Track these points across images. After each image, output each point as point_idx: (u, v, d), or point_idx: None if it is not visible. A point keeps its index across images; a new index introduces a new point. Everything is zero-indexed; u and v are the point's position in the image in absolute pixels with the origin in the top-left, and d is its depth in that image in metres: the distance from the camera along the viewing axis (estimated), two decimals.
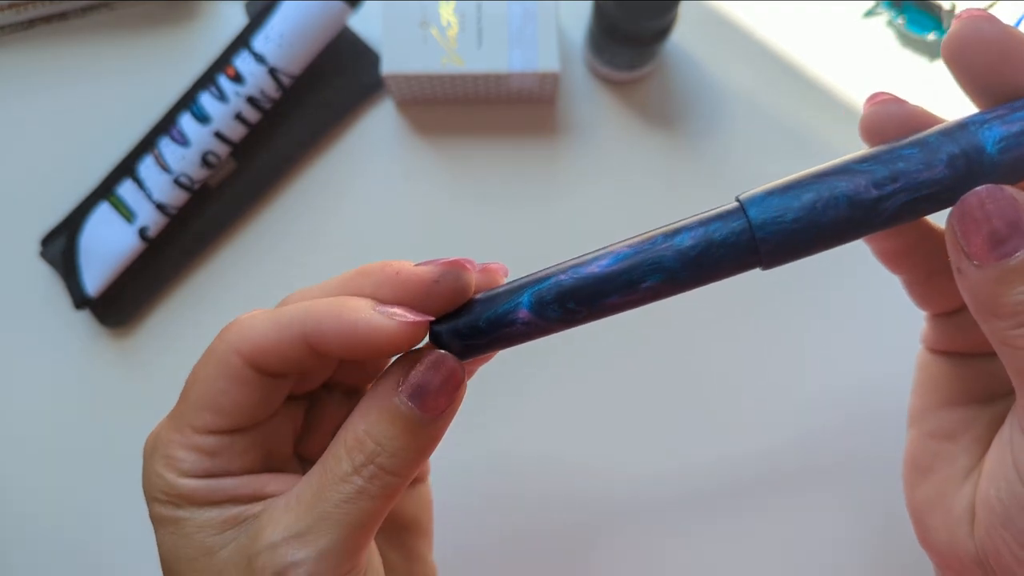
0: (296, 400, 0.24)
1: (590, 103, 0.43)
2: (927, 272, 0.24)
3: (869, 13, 0.44)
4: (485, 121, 0.43)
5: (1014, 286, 0.18)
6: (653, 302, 0.20)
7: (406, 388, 0.20)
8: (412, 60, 0.39)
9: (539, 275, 0.20)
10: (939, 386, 0.24)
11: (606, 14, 0.38)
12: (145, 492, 0.21)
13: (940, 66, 0.44)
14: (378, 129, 0.43)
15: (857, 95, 0.43)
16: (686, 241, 0.19)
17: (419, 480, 0.27)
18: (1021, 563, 0.20)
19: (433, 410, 0.20)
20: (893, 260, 0.24)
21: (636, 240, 0.20)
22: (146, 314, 0.42)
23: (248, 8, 0.43)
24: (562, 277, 0.20)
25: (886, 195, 0.19)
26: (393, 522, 0.26)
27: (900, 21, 0.43)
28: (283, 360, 0.21)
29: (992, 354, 0.22)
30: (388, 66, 0.39)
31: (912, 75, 0.44)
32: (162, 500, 0.21)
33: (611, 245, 0.20)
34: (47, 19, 0.44)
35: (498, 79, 0.40)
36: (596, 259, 0.20)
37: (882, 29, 0.44)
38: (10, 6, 0.43)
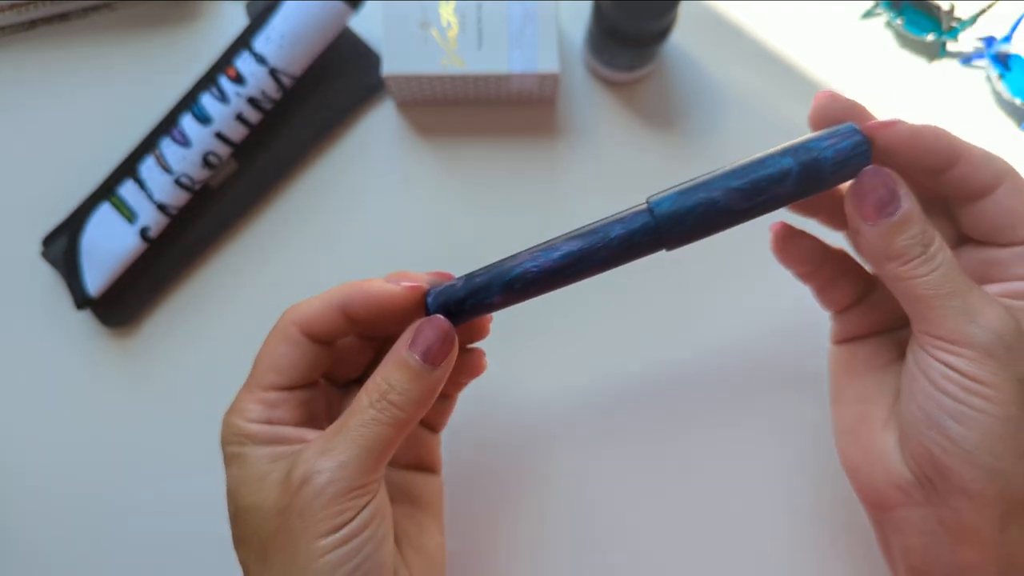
0: (334, 388, 0.31)
1: (590, 104, 0.43)
2: (827, 281, 0.31)
3: (868, 14, 0.45)
4: (485, 122, 0.43)
5: (898, 235, 0.26)
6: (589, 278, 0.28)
7: (412, 344, 0.27)
8: (412, 61, 0.39)
9: (509, 266, 0.27)
10: (848, 366, 0.31)
11: (606, 15, 0.38)
12: (221, 441, 0.28)
13: (939, 67, 0.44)
14: (379, 130, 0.43)
15: (856, 96, 0.43)
16: (615, 232, 0.26)
17: (433, 471, 0.33)
18: (949, 453, 0.25)
19: (433, 360, 0.27)
20: (803, 277, 0.32)
21: (578, 235, 0.27)
22: (147, 314, 0.42)
23: (249, 9, 0.43)
24: (528, 266, 0.27)
25: (758, 201, 0.26)
26: (410, 501, 0.31)
27: (899, 22, 0.43)
28: (326, 324, 0.28)
29: (881, 332, 0.31)
30: (388, 67, 0.39)
31: (911, 76, 0.44)
32: (233, 441, 0.27)
33: (557, 240, 0.27)
34: (48, 20, 0.44)
35: (498, 80, 0.40)
36: (550, 251, 0.27)
37: (881, 30, 0.45)
38: (11, 7, 0.43)
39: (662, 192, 0.27)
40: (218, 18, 0.44)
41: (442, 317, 0.27)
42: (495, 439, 0.40)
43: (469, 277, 0.28)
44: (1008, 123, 0.43)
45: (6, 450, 0.41)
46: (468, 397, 0.34)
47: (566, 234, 0.27)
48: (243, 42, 0.40)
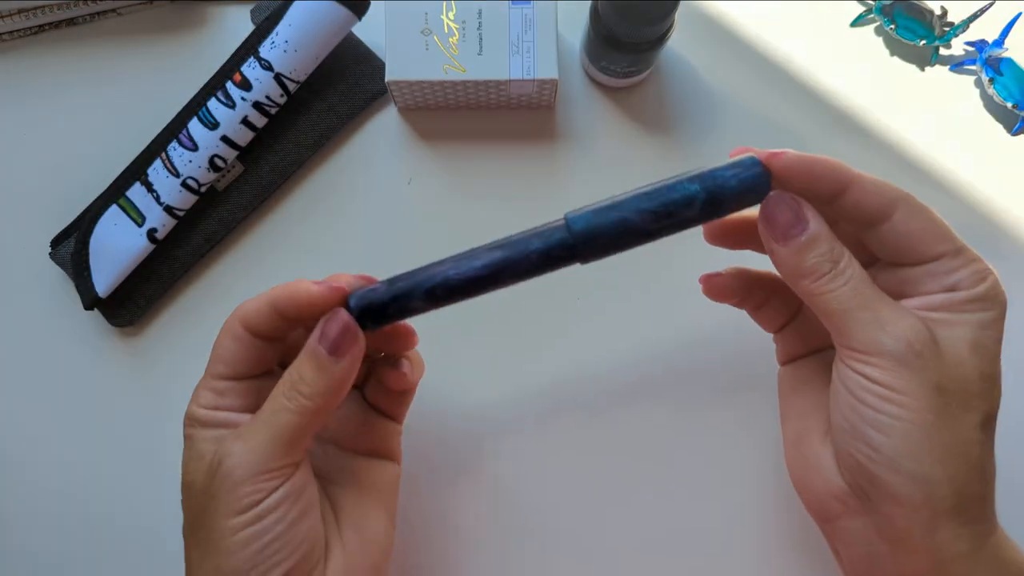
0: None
1: (588, 109, 0.44)
2: (759, 304, 0.34)
3: (859, 19, 0.45)
4: (486, 127, 0.44)
5: (807, 254, 0.27)
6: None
7: (320, 337, 0.29)
8: (415, 67, 0.40)
9: (431, 273, 0.29)
10: (792, 385, 0.33)
11: (604, 22, 0.39)
12: (184, 419, 0.30)
13: (931, 72, 0.45)
14: (381, 134, 0.44)
15: (848, 101, 0.44)
16: (534, 246, 0.28)
17: (391, 457, 0.35)
18: (873, 461, 0.26)
19: (338, 353, 0.28)
20: (736, 304, 0.34)
21: (499, 246, 0.29)
22: (155, 314, 0.43)
23: (254, 15, 0.44)
24: (450, 274, 0.29)
25: (667, 223, 0.28)
26: (358, 485, 0.33)
27: (891, 28, 0.44)
28: (264, 322, 0.30)
29: (818, 350, 0.33)
30: (391, 73, 0.40)
31: (903, 81, 0.45)
32: (187, 424, 0.30)
33: (480, 250, 0.29)
34: (56, 25, 0.45)
35: (498, 86, 0.41)
36: (472, 260, 0.29)
37: (872, 36, 0.45)
38: (19, 11, 0.43)
39: (580, 209, 0.28)
40: (224, 24, 0.45)
41: (344, 311, 0.29)
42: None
43: (391, 282, 0.30)
44: (999, 128, 0.44)
45: (15, 448, 0.41)
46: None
47: (488, 244, 0.29)
48: (249, 48, 0.41)
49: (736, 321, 0.36)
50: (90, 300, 0.41)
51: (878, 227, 0.28)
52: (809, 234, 0.27)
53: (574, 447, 0.41)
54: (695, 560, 0.40)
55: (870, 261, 0.30)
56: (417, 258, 0.43)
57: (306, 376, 0.28)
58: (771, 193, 0.28)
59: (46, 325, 0.42)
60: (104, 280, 0.41)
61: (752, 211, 0.29)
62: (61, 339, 0.42)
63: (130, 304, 0.42)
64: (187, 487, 0.29)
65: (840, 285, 0.27)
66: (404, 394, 0.35)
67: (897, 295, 0.28)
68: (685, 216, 0.28)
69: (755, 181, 0.28)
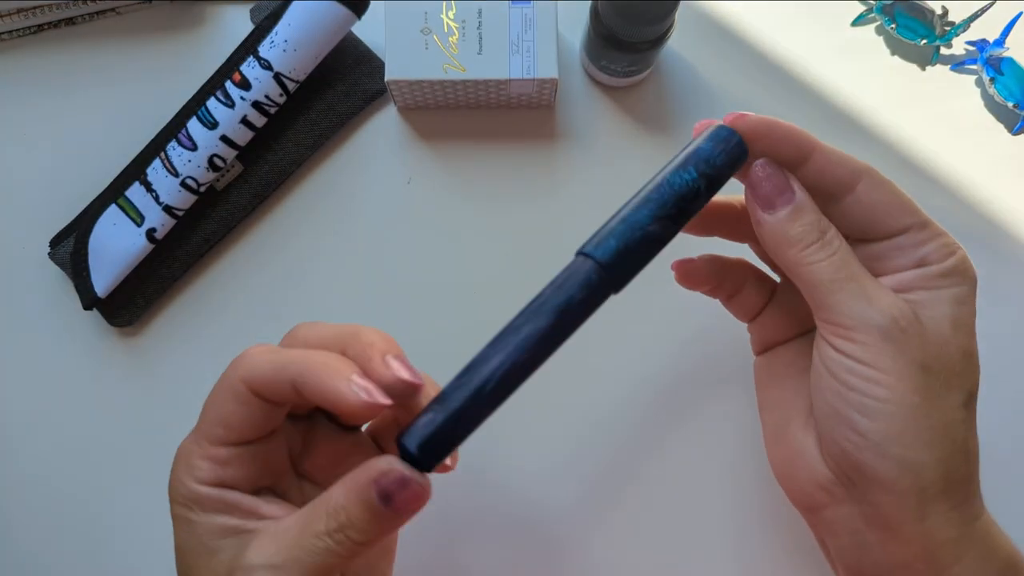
0: (296, 420, 0.29)
1: (588, 108, 0.44)
2: (732, 291, 0.33)
3: (860, 19, 0.45)
4: (486, 126, 0.44)
5: (795, 221, 0.27)
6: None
7: (379, 488, 0.24)
8: (414, 67, 0.40)
9: (482, 376, 0.25)
10: (768, 375, 0.32)
11: (604, 21, 0.39)
12: (169, 493, 0.26)
13: (932, 71, 0.45)
14: (381, 133, 0.44)
15: (849, 100, 0.44)
16: (572, 298, 0.25)
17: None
18: (859, 447, 0.26)
19: (398, 512, 0.24)
20: (710, 293, 0.34)
21: (535, 313, 0.25)
22: (154, 314, 0.42)
23: (254, 14, 0.44)
24: (500, 373, 0.25)
25: (682, 221, 0.27)
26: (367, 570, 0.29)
27: (891, 27, 0.44)
28: (276, 394, 0.25)
29: (793, 336, 0.32)
30: (391, 72, 0.40)
31: (904, 81, 0.45)
32: (180, 502, 0.25)
33: (516, 327, 0.25)
34: (55, 24, 0.45)
35: (498, 85, 0.41)
36: (514, 341, 0.25)
37: (873, 35, 0.45)
38: (18, 11, 0.43)
39: (593, 240, 0.27)
40: (223, 23, 0.45)
41: (423, 479, 0.24)
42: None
43: (442, 403, 0.25)
44: (1000, 127, 0.44)
45: (14, 449, 0.41)
46: None
47: (521, 316, 0.26)
48: (248, 47, 0.41)
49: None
50: (89, 300, 0.41)
51: (842, 200, 0.28)
52: (797, 202, 0.27)
53: (570, 446, 0.41)
54: (682, 555, 0.40)
55: None
56: (418, 259, 0.43)
57: (358, 522, 0.24)
58: (757, 161, 0.28)
59: (45, 325, 0.42)
60: (103, 280, 0.40)
61: (720, 196, 0.29)
62: (60, 339, 0.42)
63: (129, 304, 0.42)
64: None
65: (828, 255, 0.27)
66: None
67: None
68: (695, 208, 0.27)
69: (739, 149, 0.27)
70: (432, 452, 0.24)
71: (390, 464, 0.24)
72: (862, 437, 0.25)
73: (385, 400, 0.24)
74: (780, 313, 0.33)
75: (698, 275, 0.33)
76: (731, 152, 0.27)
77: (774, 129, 0.28)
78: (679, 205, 0.27)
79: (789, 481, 0.30)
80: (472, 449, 0.40)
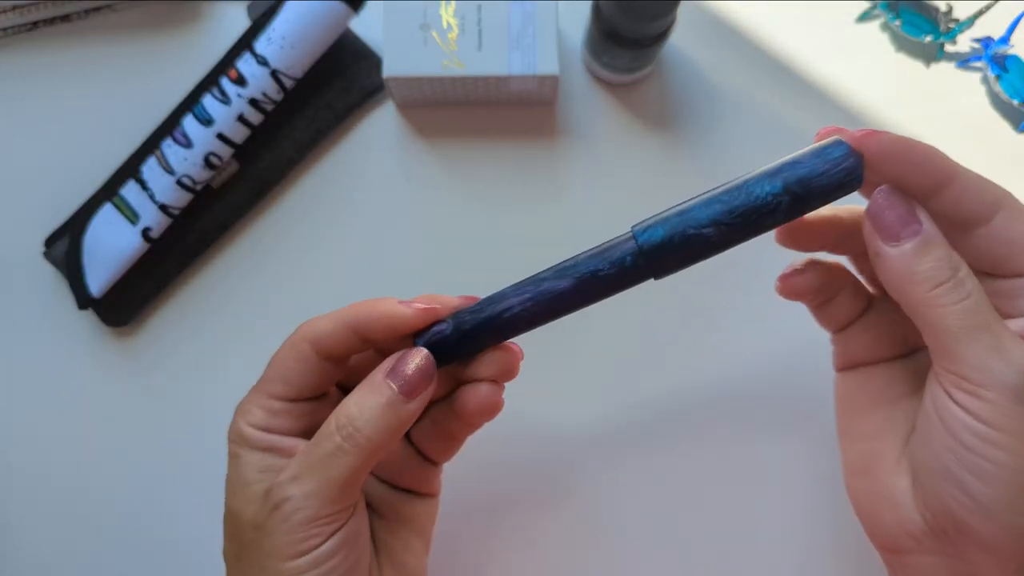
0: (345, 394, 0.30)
1: (589, 105, 0.44)
2: (820, 303, 0.30)
3: (865, 15, 0.45)
4: (485, 123, 0.43)
5: (924, 257, 0.24)
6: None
7: (391, 373, 0.26)
8: (413, 63, 0.40)
9: (499, 308, 0.27)
10: (855, 399, 0.30)
11: (605, 17, 0.38)
12: (228, 434, 0.28)
13: (936, 69, 0.44)
14: (379, 131, 0.44)
15: (853, 97, 0.44)
16: (602, 268, 0.26)
17: (430, 494, 0.32)
18: (967, 509, 0.23)
19: (409, 393, 0.26)
20: (798, 297, 0.31)
21: (566, 270, 0.27)
22: (149, 314, 0.42)
23: (250, 10, 0.43)
24: (517, 309, 0.27)
25: (747, 232, 0.25)
26: (399, 519, 0.31)
27: (896, 24, 0.44)
28: (339, 344, 0.28)
29: (888, 358, 0.29)
30: (389, 69, 0.40)
31: (908, 78, 0.44)
32: (233, 439, 0.28)
33: (546, 276, 0.27)
34: (50, 21, 0.44)
35: (498, 82, 0.40)
36: (539, 288, 0.27)
37: (878, 32, 0.45)
38: (13, 8, 0.43)
39: (648, 223, 0.26)
40: (219, 19, 0.44)
41: (425, 350, 0.27)
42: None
43: (457, 319, 0.28)
44: (1005, 125, 0.44)
45: (8, 449, 0.41)
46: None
47: (553, 268, 0.27)
48: (244, 43, 0.41)
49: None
50: (84, 300, 0.40)
51: (973, 231, 0.25)
52: (925, 235, 0.24)
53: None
54: None
55: None
56: (417, 258, 0.43)
57: (367, 412, 0.26)
58: (879, 189, 0.25)
59: (40, 325, 0.42)
60: (98, 280, 0.40)
61: (834, 207, 0.26)
62: (55, 339, 0.42)
63: (124, 304, 0.41)
64: (233, 515, 0.27)
65: (960, 298, 0.23)
66: (454, 441, 0.31)
67: None
68: (767, 224, 0.25)
69: (847, 175, 0.24)
70: (439, 356, 0.27)
71: (410, 348, 0.27)
72: (971, 499, 0.23)
73: (430, 306, 0.27)
74: (875, 329, 0.30)
75: (806, 291, 0.30)
76: (836, 176, 0.24)
77: (910, 154, 0.25)
78: (748, 216, 0.25)
79: (871, 520, 0.28)
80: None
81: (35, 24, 0.44)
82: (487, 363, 0.29)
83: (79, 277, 0.40)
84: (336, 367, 0.29)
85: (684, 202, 0.26)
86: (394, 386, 0.26)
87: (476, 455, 0.34)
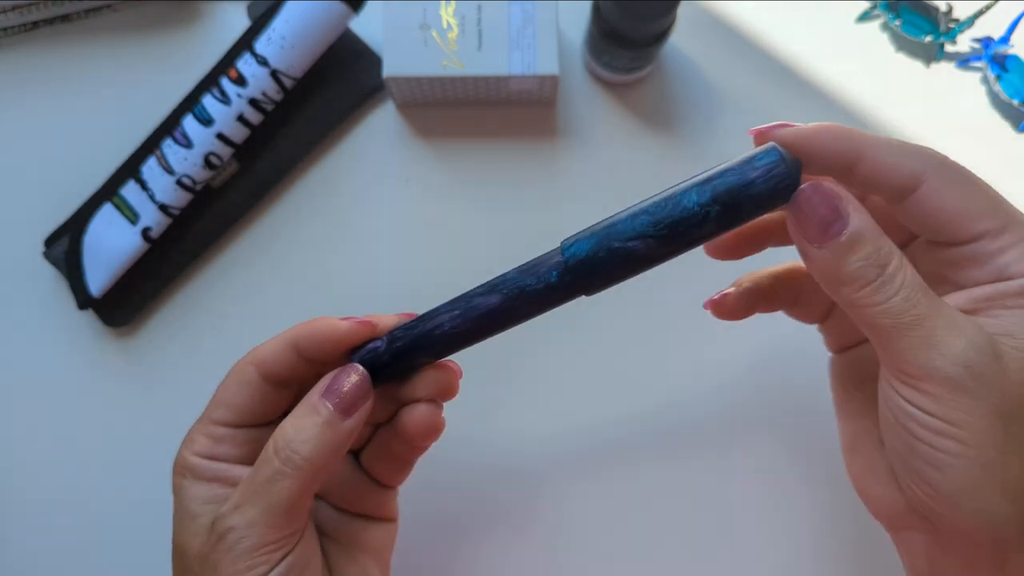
0: None
1: (589, 105, 0.43)
2: (790, 303, 0.31)
3: (865, 15, 0.45)
4: (485, 123, 0.43)
5: (848, 256, 0.23)
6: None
7: (325, 391, 0.26)
8: (413, 63, 0.40)
9: (431, 326, 0.27)
10: (845, 377, 0.30)
11: (605, 17, 0.38)
12: (173, 465, 0.28)
13: (936, 68, 0.44)
14: (379, 131, 0.43)
15: (853, 97, 0.44)
16: (530, 284, 0.26)
17: (387, 519, 0.32)
18: (932, 497, 0.23)
19: (345, 410, 0.26)
20: (765, 311, 0.31)
21: (496, 287, 0.26)
22: (149, 314, 0.42)
23: (250, 10, 0.43)
24: (447, 327, 0.27)
25: (677, 246, 0.24)
26: (356, 545, 0.30)
27: (896, 24, 0.43)
28: (281, 364, 0.27)
29: (866, 341, 0.29)
30: (389, 69, 0.40)
31: (908, 78, 0.44)
32: (177, 471, 0.28)
33: (476, 293, 0.27)
34: (50, 21, 0.44)
35: (498, 82, 0.40)
36: (468, 306, 0.26)
37: (878, 32, 0.45)
38: (14, 8, 0.43)
39: (575, 237, 0.25)
40: (219, 19, 0.44)
41: (360, 366, 0.27)
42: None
43: (391, 339, 0.28)
44: (1005, 125, 0.44)
45: (8, 449, 0.41)
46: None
47: (483, 286, 0.27)
48: (245, 43, 0.41)
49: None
50: (84, 300, 0.40)
51: (903, 201, 0.24)
52: (850, 232, 0.23)
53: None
54: None
55: (908, 239, 0.27)
56: (417, 258, 0.43)
57: (303, 434, 0.25)
58: (804, 185, 0.24)
59: (40, 325, 0.42)
60: (98, 280, 0.40)
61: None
62: (55, 339, 0.42)
63: (124, 304, 0.41)
64: (180, 550, 0.27)
65: (888, 296, 0.23)
66: (404, 463, 0.31)
67: (938, 280, 0.25)
68: (697, 236, 0.24)
69: (780, 182, 0.23)
70: (373, 374, 0.27)
71: (345, 365, 0.27)
72: (933, 488, 0.23)
73: (371, 318, 0.28)
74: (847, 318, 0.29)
75: (735, 312, 0.30)
76: (768, 184, 0.23)
77: (818, 136, 0.24)
78: (675, 228, 0.24)
79: (866, 496, 0.28)
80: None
81: (35, 24, 0.44)
82: (423, 382, 0.28)
83: (79, 277, 0.40)
84: (284, 393, 0.28)
85: (614, 214, 0.25)
86: (329, 405, 0.26)
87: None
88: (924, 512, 0.24)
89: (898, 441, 0.24)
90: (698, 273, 0.33)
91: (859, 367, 0.29)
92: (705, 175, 0.24)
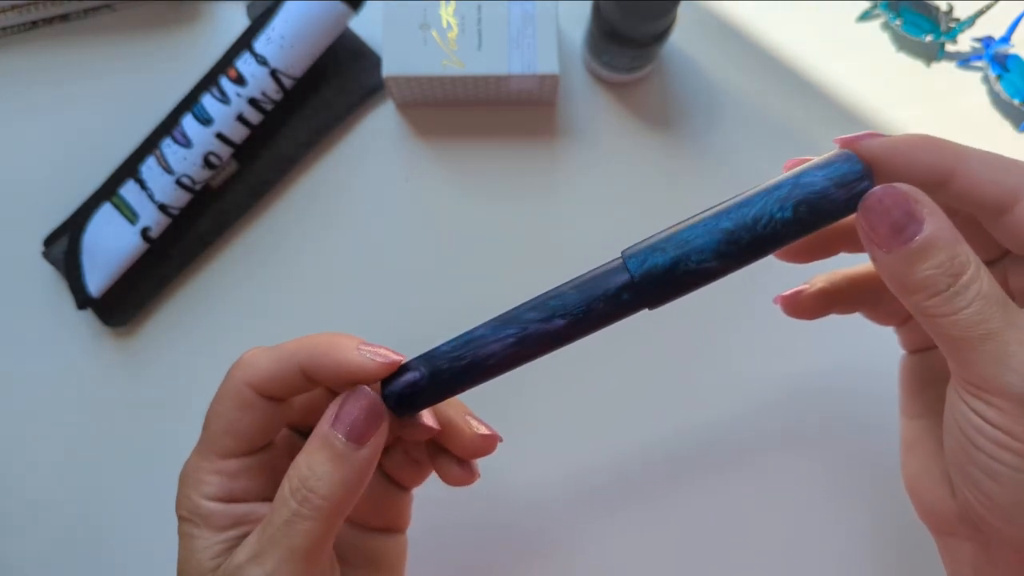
0: (303, 434, 0.28)
1: (589, 105, 0.43)
2: (867, 307, 0.30)
3: (866, 15, 0.45)
4: (485, 123, 0.43)
5: (919, 264, 0.22)
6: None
7: (335, 420, 0.24)
8: (412, 62, 0.40)
9: (475, 349, 0.25)
10: (914, 377, 0.30)
11: (605, 17, 0.38)
12: (176, 511, 0.25)
13: (937, 68, 0.44)
14: (379, 131, 0.43)
15: (853, 96, 0.44)
16: (595, 300, 0.24)
17: (398, 530, 0.30)
18: (985, 507, 0.23)
19: (358, 438, 0.24)
20: (843, 312, 0.30)
21: (553, 300, 0.24)
22: (148, 314, 0.42)
23: (250, 10, 0.43)
24: (495, 349, 0.24)
25: (749, 260, 0.24)
26: (373, 565, 0.29)
27: (897, 23, 0.43)
28: (284, 386, 0.25)
29: None
30: (388, 68, 0.40)
31: (909, 77, 0.44)
32: (187, 519, 0.25)
33: (527, 310, 0.24)
34: (49, 20, 0.44)
35: (498, 81, 0.40)
36: (520, 329, 0.24)
37: (879, 31, 0.45)
38: (12, 7, 0.43)
39: (641, 251, 0.24)
40: (219, 19, 0.44)
41: (367, 388, 0.24)
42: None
43: (429, 360, 0.25)
44: (1006, 125, 0.44)
45: (7, 449, 0.41)
46: None
47: (535, 307, 0.25)
48: (244, 43, 0.40)
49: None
50: (83, 300, 0.40)
51: (999, 218, 0.23)
52: (923, 239, 0.22)
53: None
54: None
55: (1000, 254, 0.26)
56: (417, 258, 0.43)
57: (318, 470, 0.23)
58: (873, 189, 0.23)
59: (39, 325, 0.42)
60: (97, 280, 0.40)
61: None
62: (54, 339, 0.42)
63: (123, 304, 0.41)
64: None
65: (960, 307, 0.22)
66: (424, 465, 0.30)
67: None
68: (769, 250, 0.23)
69: (862, 192, 0.23)
70: (402, 399, 0.25)
71: (353, 389, 0.24)
72: (988, 499, 0.23)
73: (398, 357, 0.25)
74: None
75: (810, 311, 0.29)
76: (850, 199, 0.23)
77: (910, 150, 0.23)
78: (754, 244, 0.23)
79: (916, 496, 0.27)
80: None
81: (34, 23, 0.44)
82: (464, 444, 0.27)
83: (78, 277, 0.40)
84: (285, 406, 0.26)
85: (681, 225, 0.24)
86: (340, 435, 0.24)
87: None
88: (975, 521, 0.24)
89: (958, 447, 0.23)
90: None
91: (931, 368, 0.29)
92: (784, 186, 0.23)
